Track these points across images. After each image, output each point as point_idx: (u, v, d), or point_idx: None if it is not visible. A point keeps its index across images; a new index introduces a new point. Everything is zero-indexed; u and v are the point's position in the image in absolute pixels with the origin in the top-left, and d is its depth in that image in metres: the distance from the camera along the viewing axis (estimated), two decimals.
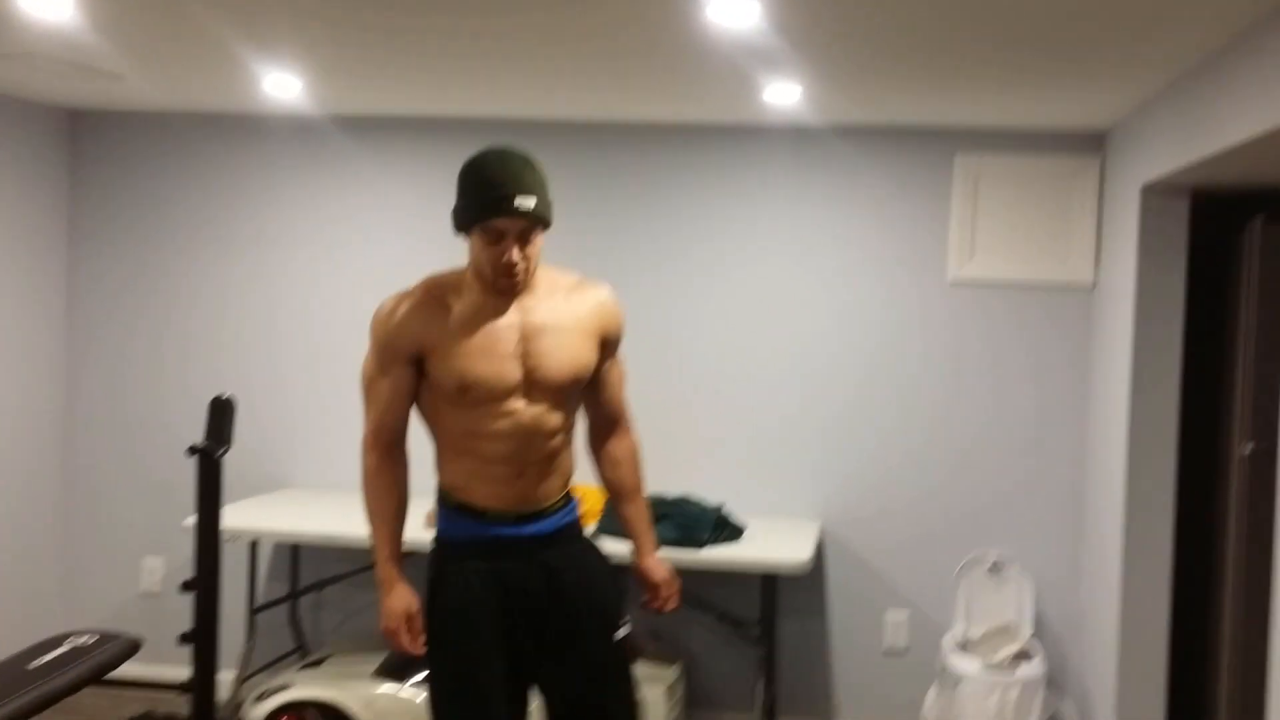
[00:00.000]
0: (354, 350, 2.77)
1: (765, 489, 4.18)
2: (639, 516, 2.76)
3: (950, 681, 3.85)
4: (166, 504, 4.34)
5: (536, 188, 2.44)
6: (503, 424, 2.50)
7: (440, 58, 3.28)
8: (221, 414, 3.10)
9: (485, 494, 2.54)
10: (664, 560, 2.77)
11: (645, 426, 4.23)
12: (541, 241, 2.48)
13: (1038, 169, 4.05)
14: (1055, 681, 4.04)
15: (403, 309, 2.52)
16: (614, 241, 4.24)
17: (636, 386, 4.30)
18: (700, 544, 3.69)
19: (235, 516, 3.71)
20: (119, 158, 4.51)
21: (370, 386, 2.59)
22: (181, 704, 3.30)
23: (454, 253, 2.63)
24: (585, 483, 4.24)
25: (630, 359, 4.37)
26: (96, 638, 3.18)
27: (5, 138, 4.26)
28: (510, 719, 2.57)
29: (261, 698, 3.71)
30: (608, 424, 2.75)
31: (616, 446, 2.76)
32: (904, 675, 4.17)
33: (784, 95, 3.54)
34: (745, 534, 3.85)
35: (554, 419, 2.55)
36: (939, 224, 4.12)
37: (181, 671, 3.16)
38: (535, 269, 2.50)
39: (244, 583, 4.10)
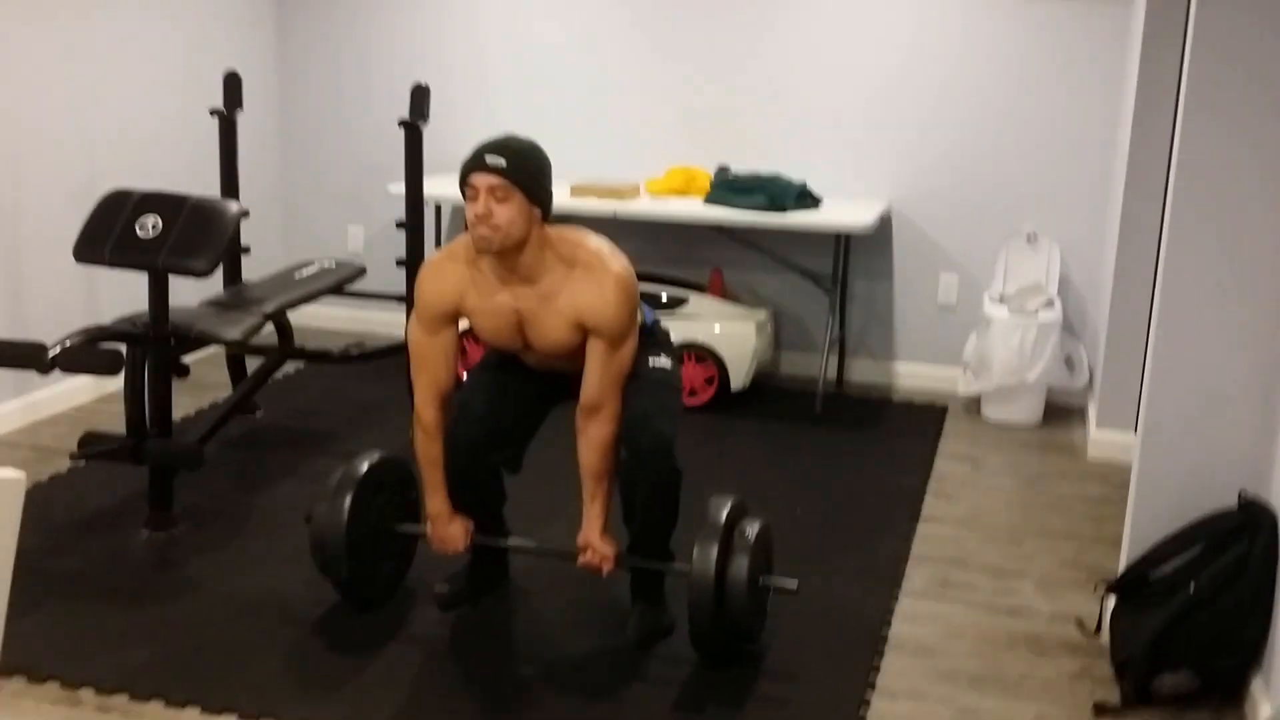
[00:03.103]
0: (536, 41, 3.63)
1: (842, 174, 5.09)
2: (593, 497, 2.86)
3: (985, 326, 4.83)
4: (366, 180, 5.48)
5: (511, 154, 2.68)
6: (528, 358, 2.96)
7: None
8: (421, 97, 4.14)
9: None
10: (606, 540, 2.89)
11: (749, 114, 5.16)
12: (519, 208, 2.67)
13: None
14: (1073, 329, 4.99)
15: (435, 279, 2.84)
16: None
17: (745, 90, 5.18)
18: (784, 209, 4.67)
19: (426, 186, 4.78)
20: None
21: (414, 344, 2.87)
22: None
23: None
24: (683, 164, 5.23)
25: (737, 69, 5.23)
26: (335, 263, 4.37)
27: None
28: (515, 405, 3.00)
29: None
30: (587, 405, 2.82)
31: (588, 429, 2.83)
32: (952, 326, 5.16)
33: None
34: (822, 205, 4.81)
35: (557, 362, 2.91)
36: None
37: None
38: (511, 233, 2.68)
39: (431, 238, 5.23)
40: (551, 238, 2.80)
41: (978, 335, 4.92)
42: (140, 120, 4.82)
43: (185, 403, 4.58)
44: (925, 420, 4.83)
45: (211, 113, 4.33)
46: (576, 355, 2.83)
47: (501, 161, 2.67)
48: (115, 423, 3.78)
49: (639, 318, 2.92)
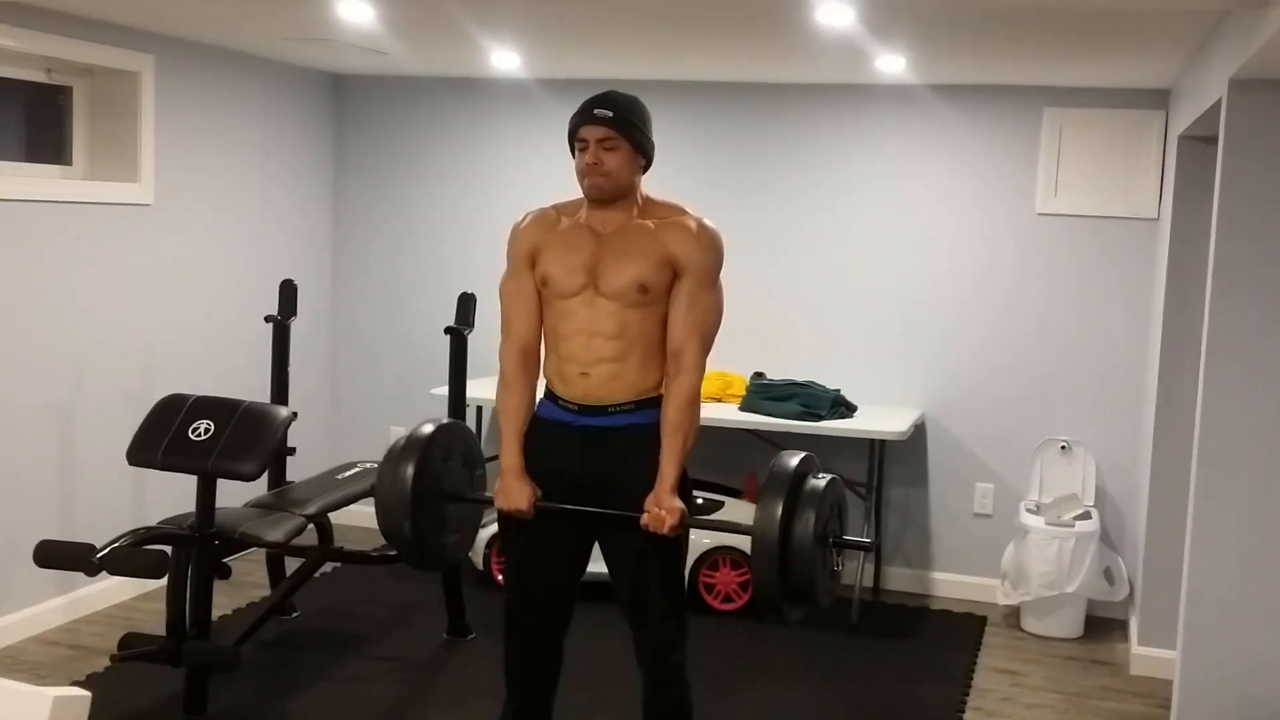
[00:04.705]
0: None
1: (876, 382, 5.18)
2: (667, 452, 2.82)
3: (1021, 536, 4.81)
4: (410, 382, 5.63)
5: (618, 107, 2.84)
6: (569, 324, 2.88)
7: (621, 29, 4.23)
8: (466, 305, 4.29)
9: (563, 387, 2.92)
10: (673, 497, 2.81)
11: (785, 322, 5.28)
12: (626, 157, 2.83)
13: (1113, 120, 4.90)
14: (1111, 541, 4.96)
15: (526, 221, 2.99)
16: (758, 180, 5.29)
17: (782, 298, 5.33)
18: (820, 417, 4.74)
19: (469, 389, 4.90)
20: (375, 113, 5.76)
21: (504, 294, 2.99)
22: None
23: None
24: (719, 369, 5.34)
25: (774, 278, 5.40)
26: (377, 464, 4.44)
27: (282, 98, 5.51)
28: (558, 578, 2.98)
29: None
30: (670, 355, 2.86)
31: (670, 382, 2.86)
32: (989, 535, 5.14)
33: (891, 64, 4.50)
34: (857, 413, 4.88)
35: (610, 324, 2.84)
36: (1029, 166, 5.02)
37: None
38: (620, 179, 2.83)
39: None
40: (651, 196, 2.94)
41: (1015, 545, 4.89)
42: (198, 325, 5.01)
43: (224, 602, 4.60)
44: (964, 631, 4.77)
45: (266, 319, 4.50)
46: (637, 306, 2.83)
47: (609, 113, 2.84)
48: (154, 621, 3.81)
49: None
